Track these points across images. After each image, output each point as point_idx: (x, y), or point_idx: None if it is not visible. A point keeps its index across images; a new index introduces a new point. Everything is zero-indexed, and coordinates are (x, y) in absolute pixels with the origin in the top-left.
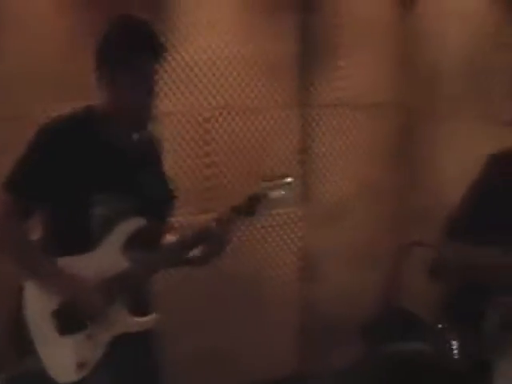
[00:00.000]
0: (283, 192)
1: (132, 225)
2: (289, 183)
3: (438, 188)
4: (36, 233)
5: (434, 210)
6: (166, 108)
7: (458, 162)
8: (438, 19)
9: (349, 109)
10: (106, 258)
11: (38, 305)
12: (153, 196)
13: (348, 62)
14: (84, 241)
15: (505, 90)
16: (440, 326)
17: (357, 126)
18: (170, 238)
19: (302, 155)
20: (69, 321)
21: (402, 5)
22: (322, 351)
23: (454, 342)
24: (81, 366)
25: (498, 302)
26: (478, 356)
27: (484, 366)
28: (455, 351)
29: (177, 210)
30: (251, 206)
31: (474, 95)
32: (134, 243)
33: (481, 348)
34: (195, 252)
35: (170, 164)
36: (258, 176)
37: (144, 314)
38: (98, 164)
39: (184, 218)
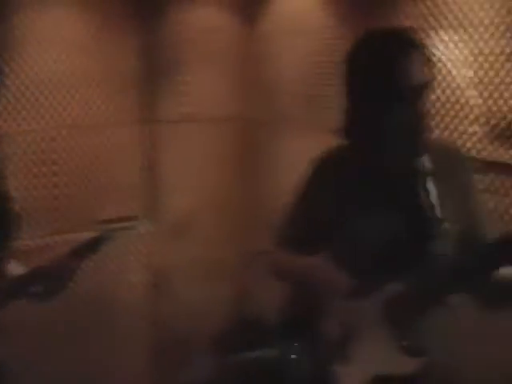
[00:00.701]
0: (127, 231)
1: None
2: (133, 225)
3: (279, 197)
4: None
5: (276, 218)
6: (11, 128)
7: (295, 170)
8: (279, 36)
9: (194, 124)
10: None
11: None
12: None
13: (192, 77)
14: None
15: (333, 102)
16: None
17: (202, 141)
18: (14, 264)
19: (149, 171)
20: None
21: (245, 22)
22: (177, 367)
23: (298, 349)
24: None
25: (335, 309)
26: (318, 364)
27: (323, 374)
28: (299, 359)
29: (25, 232)
30: (94, 247)
31: (308, 108)
32: None
33: (320, 356)
34: (36, 287)
35: (16, 185)
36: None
37: None
38: None
39: (32, 241)
